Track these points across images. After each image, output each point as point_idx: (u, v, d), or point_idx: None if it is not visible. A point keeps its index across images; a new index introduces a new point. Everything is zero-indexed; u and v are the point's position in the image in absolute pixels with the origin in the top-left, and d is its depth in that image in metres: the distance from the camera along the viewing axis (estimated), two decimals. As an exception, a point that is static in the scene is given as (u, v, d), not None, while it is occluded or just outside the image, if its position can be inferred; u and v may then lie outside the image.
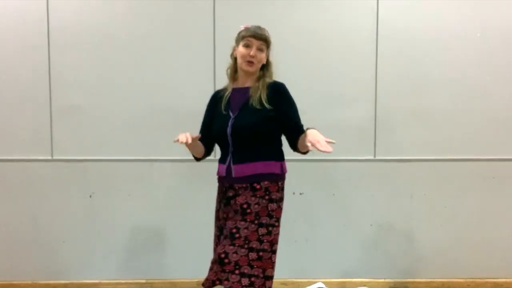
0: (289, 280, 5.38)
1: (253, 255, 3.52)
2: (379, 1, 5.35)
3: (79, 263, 5.44)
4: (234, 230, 3.56)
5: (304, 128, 3.58)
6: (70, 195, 5.40)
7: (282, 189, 3.73)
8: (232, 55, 3.79)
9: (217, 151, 4.01)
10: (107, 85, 5.36)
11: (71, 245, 5.43)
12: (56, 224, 5.41)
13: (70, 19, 5.30)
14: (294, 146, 3.67)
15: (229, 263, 3.51)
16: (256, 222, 3.56)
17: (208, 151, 3.94)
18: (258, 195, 3.59)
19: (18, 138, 5.36)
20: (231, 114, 3.69)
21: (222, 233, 3.75)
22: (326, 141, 3.26)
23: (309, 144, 3.27)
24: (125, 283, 5.43)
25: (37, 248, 5.41)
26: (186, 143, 3.51)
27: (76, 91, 5.35)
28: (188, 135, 3.51)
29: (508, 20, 5.39)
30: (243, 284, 3.49)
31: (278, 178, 3.68)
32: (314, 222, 5.48)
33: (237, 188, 3.66)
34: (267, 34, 3.69)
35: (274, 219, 3.61)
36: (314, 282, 5.41)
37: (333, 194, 5.47)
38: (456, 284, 5.48)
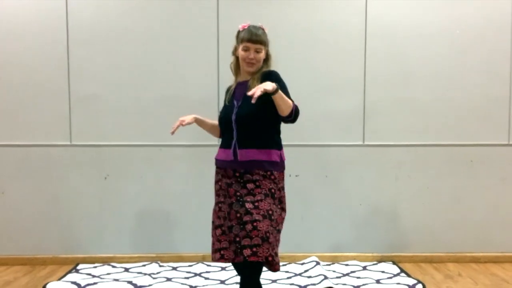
0: (286, 254, 5.41)
1: (279, 237, 3.63)
2: (368, 0, 5.46)
3: (95, 238, 5.50)
4: (270, 212, 3.53)
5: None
6: (87, 177, 5.47)
7: (283, 178, 3.77)
8: (233, 53, 3.82)
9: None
10: (121, 77, 5.44)
11: (88, 222, 5.49)
12: (74, 203, 5.48)
13: (87, 17, 5.38)
14: (284, 119, 3.61)
15: (256, 235, 3.44)
16: (280, 206, 3.68)
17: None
18: (275, 181, 3.63)
19: (40, 125, 5.43)
20: (235, 103, 3.72)
21: (232, 208, 3.64)
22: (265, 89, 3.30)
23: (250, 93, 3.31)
24: (137, 257, 5.49)
25: (57, 225, 5.48)
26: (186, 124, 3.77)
27: (92, 82, 5.43)
28: (179, 121, 3.77)
29: (482, 18, 5.49)
30: (277, 262, 3.51)
31: (280, 167, 3.70)
32: (308, 201, 5.56)
33: (259, 174, 3.61)
34: (262, 37, 3.68)
35: (283, 205, 3.72)
36: (309, 256, 5.51)
37: (326, 176, 5.55)
38: (437, 258, 5.56)
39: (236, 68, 3.84)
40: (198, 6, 5.45)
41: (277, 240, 3.60)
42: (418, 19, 5.50)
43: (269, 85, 3.34)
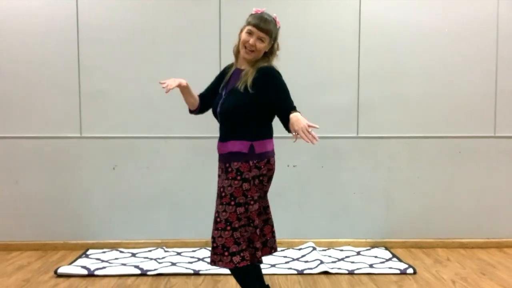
0: (284, 240, 5.41)
1: (237, 234, 3.34)
2: (361, 0, 5.49)
3: (104, 225, 5.54)
4: (216, 215, 3.40)
5: (297, 109, 3.32)
6: (96, 167, 5.51)
7: (259, 167, 3.38)
8: (240, 34, 3.48)
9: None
10: (128, 73, 5.47)
11: (97, 210, 5.53)
12: (84, 192, 5.52)
13: (96, 17, 5.43)
14: (288, 129, 3.26)
15: (217, 247, 3.36)
16: (232, 203, 3.33)
17: (201, 110, 3.76)
18: (230, 177, 3.35)
19: (52, 119, 5.47)
20: (223, 94, 3.51)
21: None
22: (309, 126, 3.09)
23: (294, 134, 3.14)
24: (143, 243, 5.52)
25: (68, 212, 5.51)
26: (180, 87, 3.52)
27: (101, 79, 5.47)
28: (174, 80, 3.49)
29: (470, 18, 5.53)
30: (235, 262, 3.34)
31: (249, 157, 3.35)
32: (305, 190, 5.60)
33: (219, 168, 3.52)
34: (270, 26, 3.39)
35: (249, 198, 3.35)
36: (306, 242, 5.54)
37: (322, 167, 5.59)
38: (427, 244, 5.59)
39: (237, 52, 3.52)
40: (200, 6, 5.49)
41: (233, 237, 3.35)
42: (409, 19, 5.54)
43: (295, 117, 3.16)
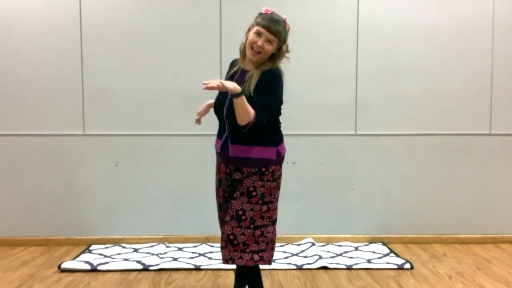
0: (284, 236, 5.42)
1: (258, 232, 3.35)
2: (359, 0, 5.50)
3: (107, 221, 5.54)
4: (240, 213, 3.34)
5: (264, 121, 3.25)
6: (99, 164, 5.51)
7: (281, 167, 3.48)
8: (246, 33, 3.38)
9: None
10: (130, 71, 5.47)
11: (100, 206, 5.53)
12: (88, 189, 5.52)
13: (99, 16, 5.42)
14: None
15: (238, 244, 3.33)
16: (260, 202, 3.35)
17: None
18: (265, 179, 3.36)
19: (56, 117, 5.47)
20: (229, 94, 3.25)
21: (221, 209, 3.60)
22: (221, 83, 3.02)
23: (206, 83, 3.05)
24: (145, 238, 5.52)
25: (72, 208, 5.51)
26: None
27: (104, 77, 5.46)
28: (198, 112, 3.65)
29: (466, 17, 5.53)
30: (255, 260, 3.36)
31: (277, 162, 3.41)
32: (304, 187, 5.60)
33: (245, 172, 3.39)
34: (280, 29, 3.30)
35: (273, 196, 3.41)
36: (305, 237, 5.55)
37: (321, 163, 5.59)
38: (424, 239, 5.60)
39: (244, 51, 3.40)
40: (201, 5, 5.49)
41: (254, 236, 3.37)
42: (406, 18, 5.54)
43: (231, 85, 3.08)
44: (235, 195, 3.42)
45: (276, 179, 3.42)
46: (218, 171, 3.64)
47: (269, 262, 3.46)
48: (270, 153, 3.38)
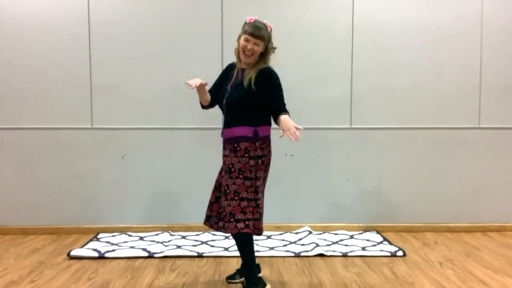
0: (282, 224, 5.48)
1: (244, 203, 3.63)
2: (354, 0, 5.50)
3: (114, 211, 5.55)
4: (225, 188, 3.69)
5: (287, 107, 3.67)
6: (106, 157, 5.52)
7: (262, 148, 3.71)
8: (238, 40, 3.76)
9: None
10: (136, 68, 5.47)
11: (107, 197, 5.54)
12: (95, 180, 5.53)
13: (106, 15, 5.43)
14: (276, 122, 3.65)
15: (226, 215, 3.67)
16: (241, 177, 3.64)
17: (212, 104, 3.99)
18: (239, 155, 3.65)
19: (65, 111, 5.48)
20: (228, 89, 3.78)
21: (219, 184, 3.87)
22: (295, 127, 3.41)
23: (281, 132, 3.47)
24: (151, 227, 5.53)
25: (80, 199, 5.53)
26: (197, 87, 3.69)
27: (111, 73, 5.47)
28: (198, 80, 3.70)
29: (456, 16, 5.53)
30: (239, 228, 3.62)
31: (255, 139, 3.67)
32: (302, 178, 5.60)
33: (226, 149, 3.75)
34: (263, 32, 3.67)
35: (253, 174, 3.66)
36: (302, 226, 5.55)
37: (317, 156, 5.59)
38: (416, 228, 5.60)
39: (238, 54, 3.80)
40: (204, 5, 5.49)
41: (240, 206, 3.66)
42: (399, 17, 5.54)
43: (290, 122, 3.47)
44: (223, 174, 3.79)
45: (252, 157, 3.68)
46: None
47: (255, 230, 3.69)
48: (246, 131, 3.69)
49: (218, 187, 3.90)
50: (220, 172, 3.90)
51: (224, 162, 3.79)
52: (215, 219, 3.90)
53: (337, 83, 5.58)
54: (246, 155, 3.67)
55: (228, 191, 3.67)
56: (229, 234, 5.18)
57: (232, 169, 3.68)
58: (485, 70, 5.59)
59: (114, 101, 5.51)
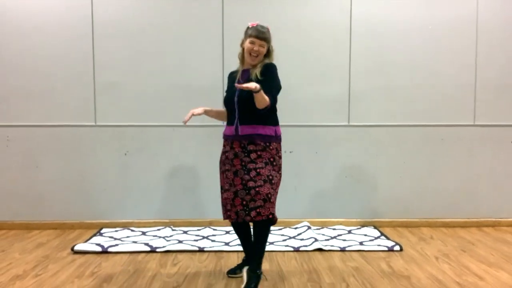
0: (281, 220, 5.20)
1: (275, 197, 3.75)
2: (352, 1, 5.50)
3: (117, 206, 5.56)
4: (270, 177, 3.68)
5: (273, 101, 3.68)
6: (110, 153, 5.52)
7: (280, 146, 3.84)
8: (241, 45, 3.86)
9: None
10: (139, 66, 5.47)
11: (111, 192, 5.55)
12: (99, 176, 5.53)
13: (109, 15, 5.42)
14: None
15: (272, 201, 3.68)
16: (280, 172, 3.79)
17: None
18: (273, 153, 3.74)
19: (68, 108, 5.47)
20: (237, 90, 3.76)
21: (228, 177, 3.78)
22: (247, 87, 3.44)
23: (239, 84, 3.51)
24: (153, 222, 5.54)
25: (84, 194, 5.54)
26: (199, 114, 3.86)
27: (114, 71, 5.46)
28: (191, 112, 3.84)
29: (452, 16, 5.52)
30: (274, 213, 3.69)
31: (276, 139, 3.77)
32: (301, 174, 5.60)
33: (258, 146, 3.72)
34: (267, 35, 3.79)
35: (280, 169, 3.81)
36: (301, 221, 5.56)
37: (316, 152, 5.59)
38: (413, 223, 5.61)
39: (242, 58, 3.91)
40: (205, 5, 5.48)
41: (276, 199, 3.76)
42: (396, 17, 5.53)
43: (253, 85, 3.47)
44: (260, 165, 3.71)
45: (280, 156, 3.84)
46: (233, 148, 3.81)
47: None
48: (270, 131, 3.77)
49: (231, 185, 3.77)
50: (226, 172, 3.82)
51: (253, 155, 3.73)
52: (243, 212, 3.70)
53: (335, 82, 5.57)
54: (276, 152, 3.79)
55: (273, 181, 3.72)
56: (230, 229, 5.25)
57: (274, 163, 3.76)
58: (480, 68, 5.58)
59: (117, 99, 5.51)
